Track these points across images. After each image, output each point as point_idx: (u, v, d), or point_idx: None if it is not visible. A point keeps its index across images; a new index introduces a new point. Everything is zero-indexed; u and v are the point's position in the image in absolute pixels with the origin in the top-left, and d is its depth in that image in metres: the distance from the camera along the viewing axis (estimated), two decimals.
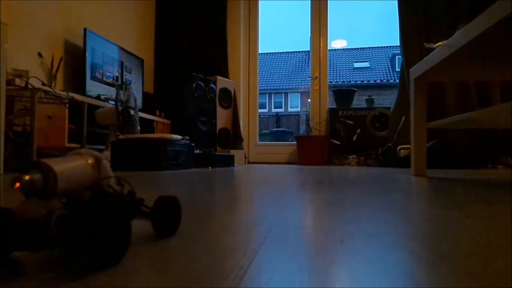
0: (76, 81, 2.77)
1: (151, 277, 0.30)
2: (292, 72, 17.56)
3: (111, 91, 2.87)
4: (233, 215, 0.62)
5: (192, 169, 2.66)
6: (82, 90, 2.64)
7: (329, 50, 4.34)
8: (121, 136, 2.46)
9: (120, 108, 2.52)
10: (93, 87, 2.76)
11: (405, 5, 3.53)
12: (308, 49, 4.51)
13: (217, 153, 3.12)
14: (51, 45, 2.59)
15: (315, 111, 4.23)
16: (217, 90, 3.72)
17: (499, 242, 0.43)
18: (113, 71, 3.08)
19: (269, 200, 0.83)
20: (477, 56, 1.42)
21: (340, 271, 0.32)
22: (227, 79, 3.93)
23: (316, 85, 4.22)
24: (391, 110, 3.73)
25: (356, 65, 16.82)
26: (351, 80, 15.45)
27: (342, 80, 15.55)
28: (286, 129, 11.48)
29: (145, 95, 3.62)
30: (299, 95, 16.42)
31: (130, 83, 3.07)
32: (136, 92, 2.74)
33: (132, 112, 2.59)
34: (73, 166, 0.35)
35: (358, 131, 3.84)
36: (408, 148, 2.97)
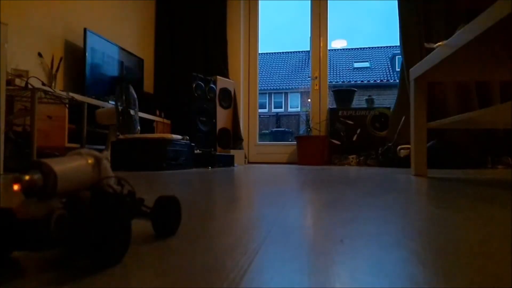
0: (76, 81, 2.77)
1: (151, 277, 0.30)
2: (292, 72, 17.56)
3: (111, 91, 2.88)
4: (233, 215, 0.62)
5: (192, 169, 2.66)
6: (82, 90, 2.64)
7: (329, 50, 4.34)
8: (121, 136, 2.46)
9: (120, 108, 2.52)
10: (93, 87, 2.76)
11: (405, 5, 3.53)
12: (308, 49, 4.51)
13: (217, 153, 3.12)
14: (51, 45, 2.59)
15: (315, 111, 4.23)
16: (217, 90, 3.72)
17: (499, 242, 0.43)
18: (113, 71, 3.08)
19: (269, 200, 0.83)
20: (477, 56, 1.42)
21: (340, 271, 0.32)
22: (227, 79, 3.93)
23: (316, 85, 4.22)
24: (391, 110, 3.73)
25: (356, 65, 16.82)
26: (351, 80, 15.45)
27: (342, 80, 15.56)
28: (286, 129, 11.48)
29: (145, 95, 3.62)
30: (299, 95, 16.43)
31: (130, 83, 3.06)
32: (136, 92, 2.74)
33: (132, 112, 2.59)
34: (73, 166, 0.35)
35: (358, 131, 3.84)
36: (408, 148, 2.97)
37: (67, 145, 2.25)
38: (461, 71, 1.68)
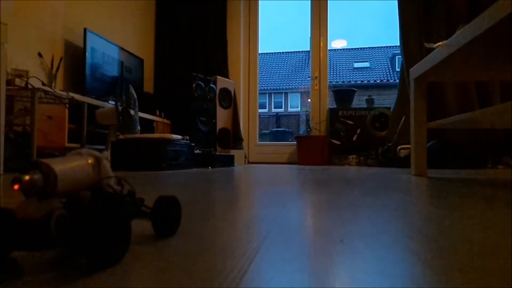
0: (76, 81, 2.77)
1: (151, 277, 0.30)
2: (292, 72, 17.57)
3: (111, 91, 2.88)
4: (233, 215, 0.62)
5: (192, 169, 2.66)
6: (82, 90, 2.64)
7: (329, 50, 4.34)
8: (121, 136, 2.46)
9: (120, 108, 2.52)
10: (93, 87, 2.76)
11: (405, 5, 3.53)
12: (308, 49, 4.51)
13: (217, 153, 3.12)
14: (51, 45, 2.59)
15: (315, 111, 4.23)
16: (217, 90, 3.72)
17: (499, 242, 0.43)
18: (113, 71, 3.08)
19: (269, 200, 0.83)
20: (477, 56, 1.42)
21: (340, 271, 0.32)
22: (227, 79, 3.93)
23: (316, 85, 4.22)
24: (391, 110, 3.73)
25: (356, 65, 16.82)
26: (351, 80, 15.45)
27: (342, 80, 15.56)
28: (286, 129, 11.47)
29: (145, 95, 3.62)
30: (299, 95, 16.43)
31: (130, 83, 3.06)
32: (136, 92, 2.74)
33: (132, 112, 2.59)
34: (73, 166, 0.35)
35: (358, 131, 3.84)
36: (408, 148, 2.97)
37: (67, 145, 2.25)
38: (461, 71, 1.68)
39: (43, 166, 0.32)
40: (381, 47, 17.76)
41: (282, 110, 16.37)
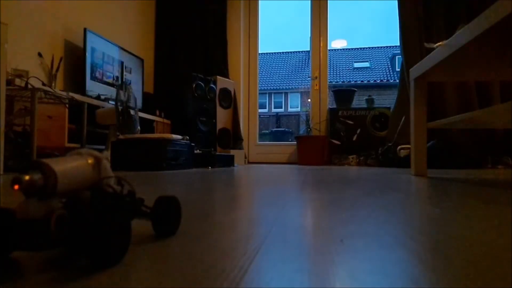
0: (76, 81, 2.77)
1: (151, 277, 0.30)
2: (292, 72, 17.56)
3: (111, 91, 2.88)
4: (233, 215, 0.62)
5: (192, 169, 2.66)
6: (82, 90, 2.64)
7: (329, 50, 4.34)
8: (121, 136, 2.46)
9: (120, 108, 2.52)
10: (93, 87, 2.76)
11: (405, 5, 3.53)
12: (308, 49, 4.51)
13: (217, 153, 3.12)
14: (51, 45, 2.59)
15: (315, 111, 4.23)
16: (217, 90, 3.72)
17: (499, 242, 0.43)
18: (113, 71, 3.08)
19: (269, 200, 0.83)
20: (477, 56, 1.42)
21: (340, 271, 0.32)
22: (227, 79, 3.93)
23: (316, 85, 4.22)
24: (391, 110, 3.73)
25: (356, 65, 16.82)
26: (351, 80, 15.45)
27: (342, 80, 15.56)
28: (286, 129, 11.47)
29: (145, 95, 3.62)
30: (299, 95, 16.42)
31: (130, 83, 3.06)
32: (136, 92, 2.74)
33: (132, 112, 2.59)
34: (73, 166, 0.35)
35: (358, 131, 3.84)
36: (408, 148, 2.97)
37: (67, 145, 2.25)
38: (461, 71, 1.68)
39: (43, 166, 0.32)
40: (381, 47, 17.77)
41: (282, 110, 16.36)
